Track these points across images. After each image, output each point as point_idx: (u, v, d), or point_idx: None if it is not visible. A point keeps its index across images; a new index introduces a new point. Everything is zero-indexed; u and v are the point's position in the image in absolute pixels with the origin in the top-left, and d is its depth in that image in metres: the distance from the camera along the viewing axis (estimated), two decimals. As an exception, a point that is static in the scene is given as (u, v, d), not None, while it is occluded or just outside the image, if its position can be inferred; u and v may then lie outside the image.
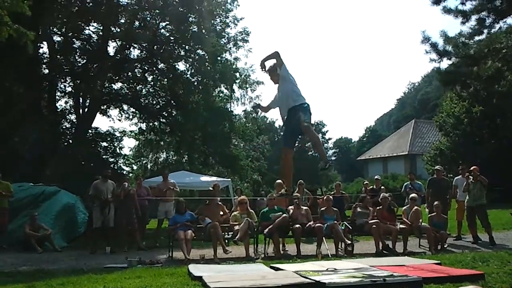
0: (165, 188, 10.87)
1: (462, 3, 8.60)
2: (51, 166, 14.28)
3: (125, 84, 17.71)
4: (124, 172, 19.50)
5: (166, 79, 17.01)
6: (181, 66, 16.99)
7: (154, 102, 17.94)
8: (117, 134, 19.79)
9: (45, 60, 16.05)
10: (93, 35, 16.47)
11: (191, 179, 16.25)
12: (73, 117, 17.57)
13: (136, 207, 10.00)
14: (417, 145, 33.43)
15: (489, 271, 5.41)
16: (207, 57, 15.70)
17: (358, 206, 9.70)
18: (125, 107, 18.66)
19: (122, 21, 15.35)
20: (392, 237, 8.81)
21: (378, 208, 9.31)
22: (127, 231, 9.90)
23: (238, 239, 8.40)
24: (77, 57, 16.60)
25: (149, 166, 30.52)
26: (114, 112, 18.83)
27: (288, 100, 5.06)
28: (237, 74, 18.39)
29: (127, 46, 16.29)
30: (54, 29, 15.69)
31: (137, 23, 15.59)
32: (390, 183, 24.52)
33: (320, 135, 54.51)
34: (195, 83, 16.68)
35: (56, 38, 16.28)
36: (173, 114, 17.57)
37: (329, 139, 56.60)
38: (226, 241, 8.71)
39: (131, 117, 19.39)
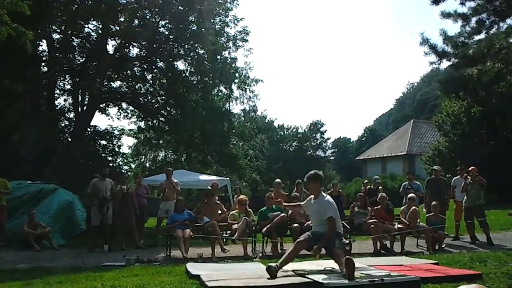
0: (168, 186, 10.80)
1: (462, 3, 8.60)
2: (50, 164, 14.25)
3: (124, 83, 17.68)
4: (123, 170, 19.43)
5: (165, 78, 16.95)
6: (180, 65, 16.99)
7: (153, 100, 17.87)
8: (116, 132, 19.76)
9: (44, 58, 16.00)
10: (93, 33, 16.51)
11: (189, 178, 16.22)
12: (72, 115, 17.55)
13: (134, 205, 9.99)
14: (416, 145, 33.45)
15: (486, 271, 5.43)
16: (206, 56, 15.66)
17: (356, 205, 9.70)
18: (124, 105, 18.64)
19: (122, 19, 15.28)
20: (390, 237, 8.83)
21: (376, 207, 9.32)
22: (125, 230, 9.89)
23: (236, 237, 8.40)
24: (76, 55, 16.57)
25: (147, 164, 30.51)
26: (113, 110, 18.87)
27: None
28: (236, 74, 18.39)
29: (127, 44, 16.24)
30: (54, 27, 15.64)
31: (136, 21, 15.54)
32: (388, 183, 24.56)
33: (319, 134, 54.62)
34: (194, 82, 16.66)
35: (56, 36, 16.28)
36: (172, 113, 17.50)
37: (328, 138, 56.72)
38: (224, 240, 8.71)
39: (130, 115, 19.44)
